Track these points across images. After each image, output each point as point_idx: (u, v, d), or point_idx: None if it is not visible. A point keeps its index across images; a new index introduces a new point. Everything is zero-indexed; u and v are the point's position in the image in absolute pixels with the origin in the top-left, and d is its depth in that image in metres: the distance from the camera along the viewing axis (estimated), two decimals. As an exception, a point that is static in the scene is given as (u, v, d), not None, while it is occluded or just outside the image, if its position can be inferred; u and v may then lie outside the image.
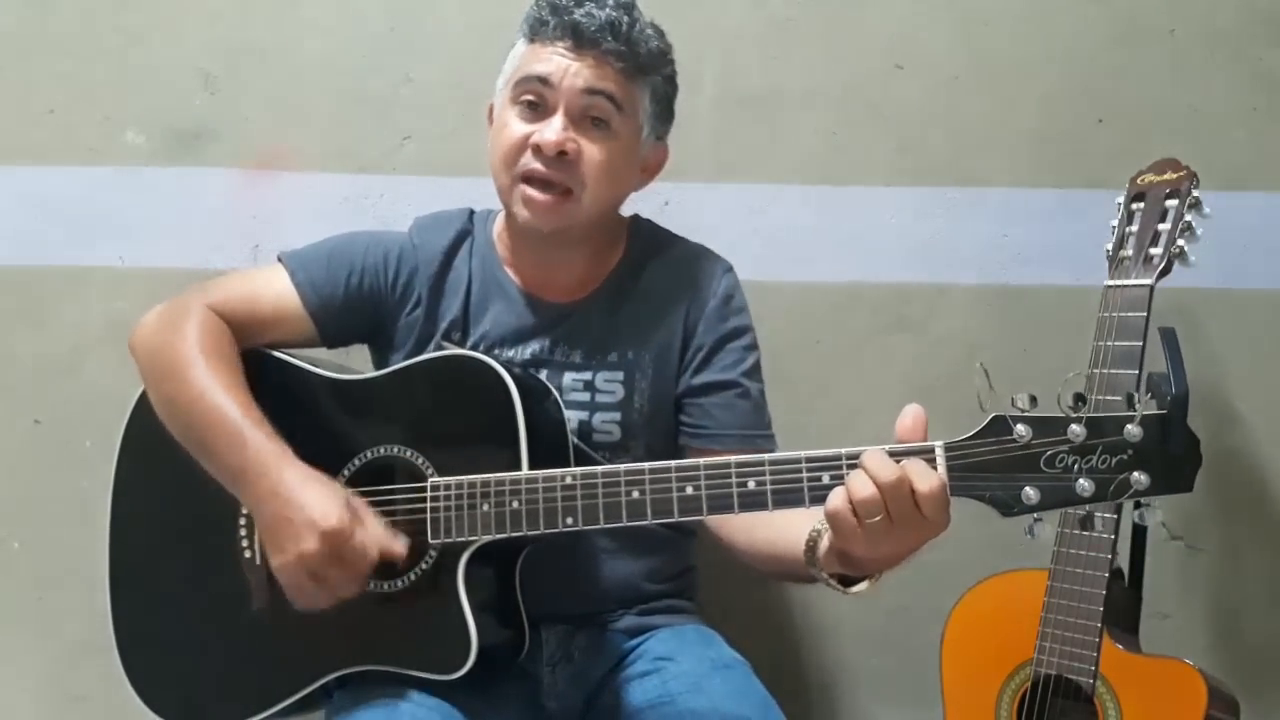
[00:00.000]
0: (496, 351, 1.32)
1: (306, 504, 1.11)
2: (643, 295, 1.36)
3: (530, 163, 1.26)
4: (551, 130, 1.25)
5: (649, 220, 1.45)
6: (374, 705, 1.15)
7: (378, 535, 1.13)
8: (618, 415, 1.33)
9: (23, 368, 1.71)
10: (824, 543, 1.05)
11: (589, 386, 1.33)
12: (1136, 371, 1.31)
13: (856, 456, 0.98)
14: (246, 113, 1.70)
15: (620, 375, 1.33)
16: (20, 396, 1.71)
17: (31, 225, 1.70)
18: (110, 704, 1.66)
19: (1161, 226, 1.36)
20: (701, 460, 1.05)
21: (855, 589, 1.06)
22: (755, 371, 1.37)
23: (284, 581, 1.14)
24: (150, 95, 1.70)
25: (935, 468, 0.96)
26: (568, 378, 1.32)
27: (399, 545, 1.14)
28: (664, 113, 1.35)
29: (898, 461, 0.96)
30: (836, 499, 0.97)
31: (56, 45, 1.69)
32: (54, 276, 1.71)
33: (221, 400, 1.18)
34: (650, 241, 1.41)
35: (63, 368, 1.71)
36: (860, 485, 0.95)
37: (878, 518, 0.95)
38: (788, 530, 1.11)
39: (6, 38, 1.69)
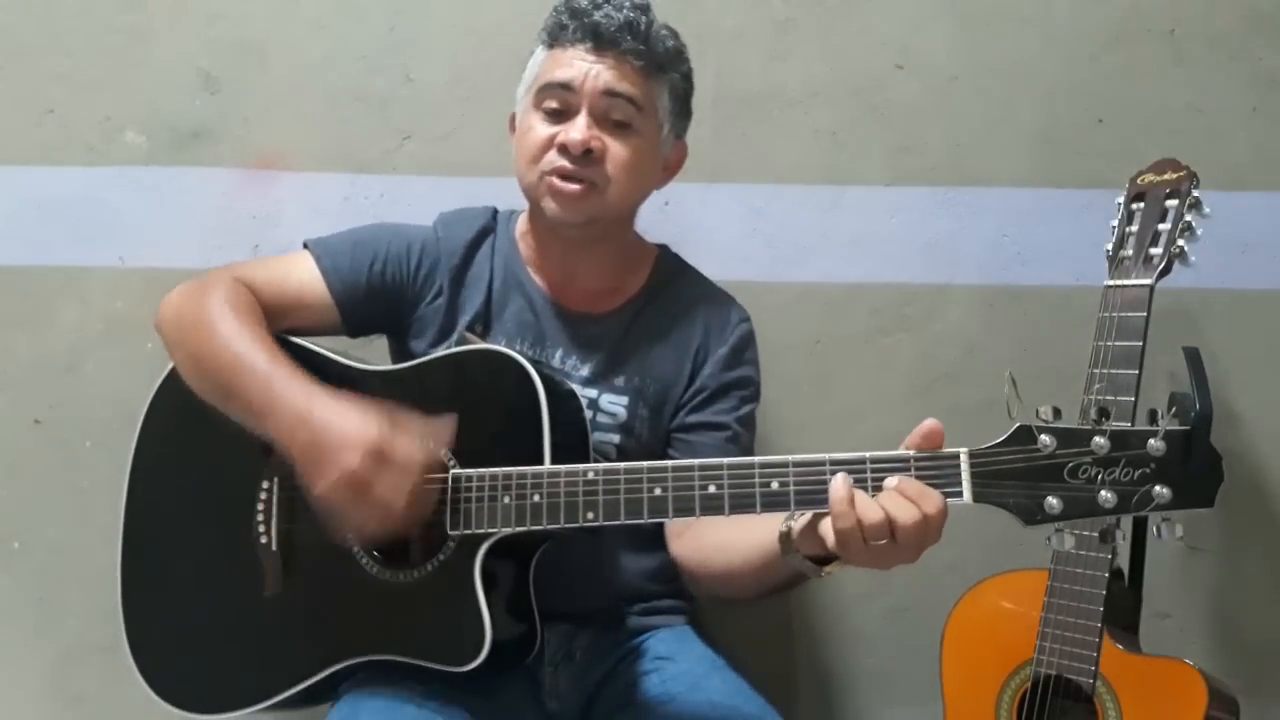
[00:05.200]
0: (514, 349, 1.33)
1: (341, 422, 1.09)
2: (659, 325, 1.38)
3: (556, 160, 1.28)
4: (577, 130, 1.27)
5: (676, 254, 1.46)
6: (378, 701, 1.16)
7: (418, 435, 1.11)
8: (616, 438, 1.34)
9: (23, 368, 1.71)
10: (798, 526, 1.07)
11: (593, 405, 1.33)
12: (1137, 371, 1.31)
13: (881, 461, 1.00)
14: (246, 113, 1.70)
15: (625, 400, 1.34)
16: (20, 396, 1.71)
17: (31, 225, 1.70)
18: (110, 704, 1.67)
19: (1161, 226, 1.36)
20: (725, 460, 1.06)
21: (829, 568, 1.07)
22: (749, 421, 1.39)
23: (332, 507, 1.10)
24: (150, 95, 1.70)
25: (960, 474, 0.98)
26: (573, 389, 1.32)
27: (445, 430, 1.13)
28: (682, 110, 1.37)
29: (910, 472, 0.99)
30: (846, 522, 0.98)
31: (56, 45, 1.69)
32: (54, 276, 1.71)
33: (245, 345, 1.19)
34: (675, 274, 1.43)
35: (63, 368, 1.71)
36: (873, 512, 0.97)
37: (883, 542, 0.97)
38: (760, 534, 1.13)
39: (6, 38, 1.69)
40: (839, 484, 0.99)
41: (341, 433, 1.08)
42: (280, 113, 1.70)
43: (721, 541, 1.23)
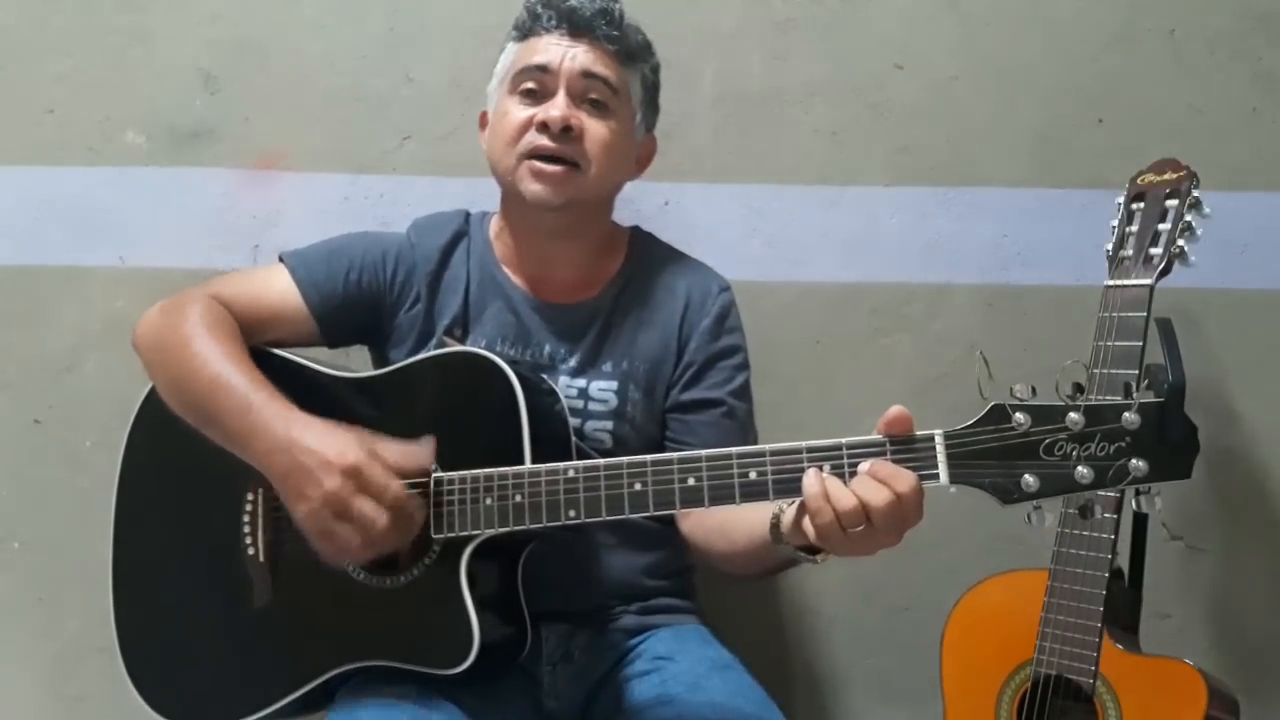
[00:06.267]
0: (495, 350, 1.33)
1: (319, 446, 1.10)
2: (640, 306, 1.38)
3: (536, 140, 1.29)
4: (556, 107, 1.28)
5: (649, 233, 1.47)
6: (375, 704, 1.15)
7: (397, 456, 1.11)
8: (610, 424, 1.34)
9: (23, 368, 1.71)
10: (786, 519, 1.07)
11: (583, 394, 1.34)
12: (1137, 371, 1.31)
13: (857, 447, 1.00)
14: (246, 113, 1.70)
15: (614, 385, 1.34)
16: (20, 396, 1.71)
17: (31, 225, 1.70)
18: (110, 704, 1.67)
19: (1161, 226, 1.36)
20: (704, 451, 1.06)
21: (822, 556, 1.07)
22: (743, 391, 1.39)
23: (312, 531, 1.11)
24: (150, 95, 1.70)
25: (935, 456, 0.98)
26: (562, 382, 1.33)
27: (422, 454, 1.13)
28: (652, 103, 1.40)
29: (886, 455, 0.99)
30: (823, 517, 0.98)
31: (56, 45, 1.69)
32: (54, 276, 1.71)
33: (224, 367, 1.19)
34: (650, 252, 1.44)
35: (63, 368, 1.71)
36: (846, 500, 0.97)
37: (860, 528, 0.97)
38: (756, 520, 1.13)
39: (6, 37, 1.69)
40: (810, 479, 0.99)
41: (320, 455, 1.09)
42: (280, 113, 1.70)
43: (722, 523, 1.24)
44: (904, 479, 0.97)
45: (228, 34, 1.70)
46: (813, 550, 1.07)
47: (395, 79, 1.70)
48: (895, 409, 1.00)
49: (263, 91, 1.70)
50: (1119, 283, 1.36)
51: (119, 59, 1.70)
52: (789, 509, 1.07)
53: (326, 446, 1.10)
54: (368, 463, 1.09)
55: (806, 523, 1.01)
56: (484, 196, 1.45)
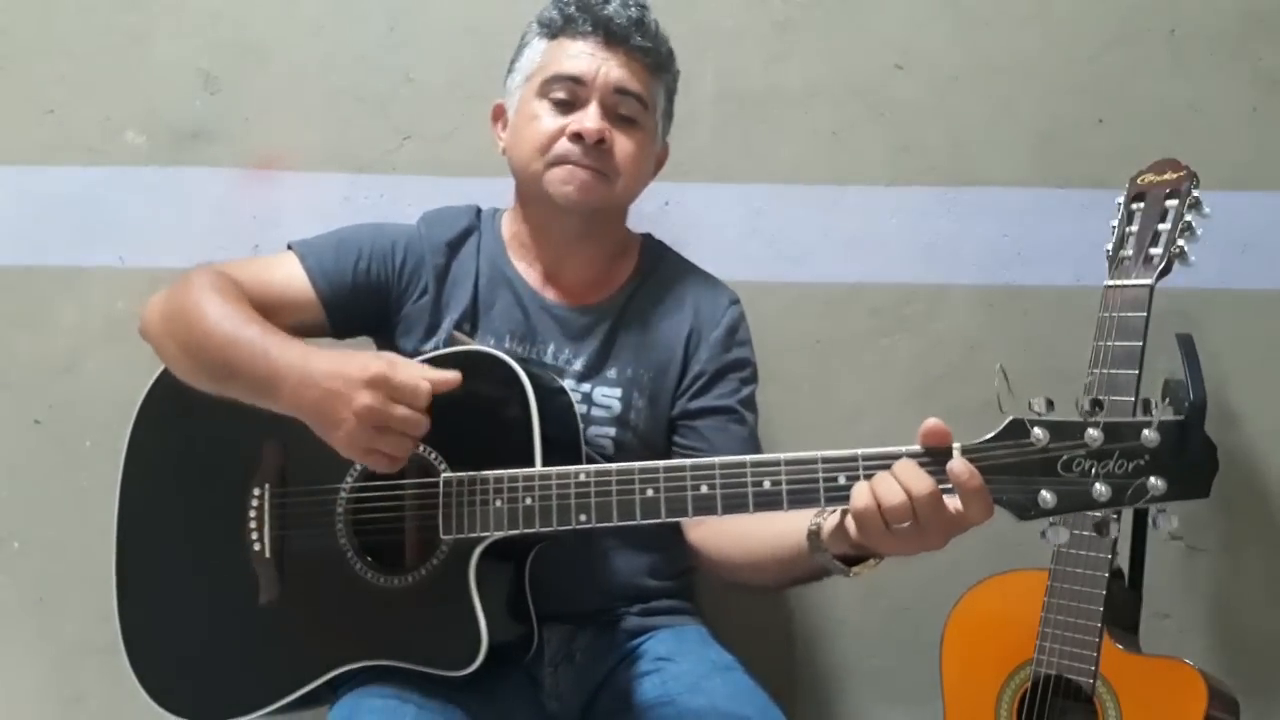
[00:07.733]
0: (503, 347, 1.33)
1: (341, 370, 1.09)
2: (649, 313, 1.38)
3: (568, 149, 1.28)
4: (591, 119, 1.28)
5: (660, 241, 1.47)
6: (376, 704, 1.15)
7: (417, 368, 1.11)
8: (612, 431, 1.33)
9: (23, 368, 1.71)
10: (828, 525, 1.06)
11: (587, 399, 1.33)
12: (1137, 371, 1.31)
13: (873, 458, 0.99)
14: (246, 113, 1.70)
15: (618, 392, 1.34)
16: (20, 396, 1.71)
17: (31, 225, 1.70)
18: (110, 704, 1.67)
19: (1161, 226, 1.36)
20: (717, 459, 1.06)
21: (858, 569, 1.06)
22: (751, 402, 1.39)
23: (355, 451, 1.10)
24: (150, 95, 1.70)
25: None
26: (566, 384, 1.32)
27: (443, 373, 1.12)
28: (670, 111, 1.40)
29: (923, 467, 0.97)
30: (862, 499, 0.97)
31: (56, 45, 1.69)
32: (54, 276, 1.71)
33: (236, 323, 1.18)
34: (661, 261, 1.44)
35: (63, 368, 1.71)
36: (889, 492, 0.96)
37: (906, 524, 0.96)
38: (785, 529, 1.12)
39: (6, 37, 1.69)
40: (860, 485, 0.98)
41: (344, 375, 1.08)
42: (280, 113, 1.70)
43: (742, 532, 1.23)
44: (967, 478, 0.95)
45: (228, 34, 1.70)
46: (849, 561, 1.06)
47: (395, 79, 1.70)
48: (932, 421, 0.98)
49: (263, 91, 1.70)
50: (1119, 283, 1.36)
51: (119, 59, 1.70)
52: (831, 515, 1.05)
53: (350, 367, 1.08)
54: (390, 370, 1.08)
55: (849, 522, 1.00)
56: (485, 196, 1.45)
